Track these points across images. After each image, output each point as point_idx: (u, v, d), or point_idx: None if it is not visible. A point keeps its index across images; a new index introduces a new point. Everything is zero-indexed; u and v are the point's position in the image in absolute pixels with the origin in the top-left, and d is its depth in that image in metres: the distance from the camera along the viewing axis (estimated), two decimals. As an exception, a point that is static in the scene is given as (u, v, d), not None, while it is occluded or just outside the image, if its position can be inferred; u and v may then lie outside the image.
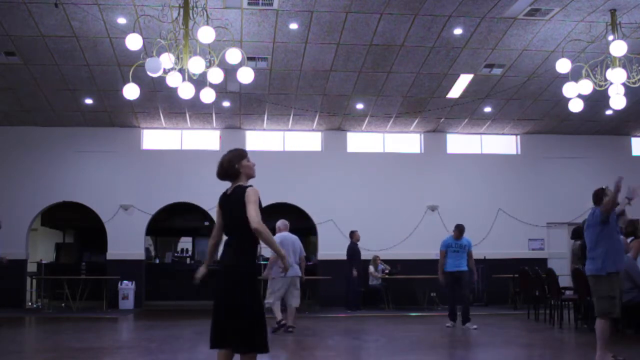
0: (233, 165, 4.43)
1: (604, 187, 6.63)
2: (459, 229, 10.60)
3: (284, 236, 9.82)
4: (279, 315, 9.45)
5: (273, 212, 15.75)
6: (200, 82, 8.96)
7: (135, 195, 14.99)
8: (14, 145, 14.90)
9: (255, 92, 13.47)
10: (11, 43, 11.33)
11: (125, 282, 14.40)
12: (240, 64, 8.79)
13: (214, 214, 14.74)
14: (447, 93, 13.78)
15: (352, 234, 14.20)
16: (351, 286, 13.91)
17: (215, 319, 4.31)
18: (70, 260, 18.19)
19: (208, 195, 14.62)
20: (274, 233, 9.48)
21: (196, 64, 8.46)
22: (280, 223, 10.08)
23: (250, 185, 4.40)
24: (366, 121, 15.22)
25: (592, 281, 6.35)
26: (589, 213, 6.60)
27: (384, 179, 15.60)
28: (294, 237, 9.96)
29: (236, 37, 10.69)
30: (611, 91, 9.91)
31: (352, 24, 11.04)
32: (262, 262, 16.85)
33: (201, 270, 4.56)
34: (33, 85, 12.95)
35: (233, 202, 4.35)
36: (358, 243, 14.18)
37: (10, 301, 13.96)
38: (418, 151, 16.08)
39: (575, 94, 9.94)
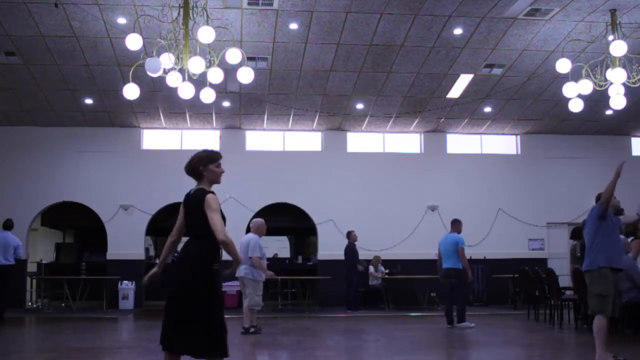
0: (199, 166, 4.26)
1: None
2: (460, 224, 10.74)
3: (244, 238, 9.70)
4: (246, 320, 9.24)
5: (273, 212, 15.81)
6: (200, 82, 8.96)
7: (135, 195, 14.99)
8: (14, 145, 14.90)
9: (255, 92, 13.47)
10: (11, 43, 11.33)
11: (125, 282, 14.40)
12: (240, 64, 8.80)
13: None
14: (447, 93, 13.78)
15: (349, 234, 14.19)
16: (352, 287, 13.88)
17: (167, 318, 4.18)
18: (70, 260, 18.21)
19: (208, 195, 14.65)
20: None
21: (196, 64, 8.47)
22: (253, 223, 9.89)
23: (211, 192, 4.23)
24: (366, 121, 15.22)
25: (586, 277, 6.36)
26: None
27: (384, 179, 15.60)
28: (247, 237, 9.54)
29: (236, 37, 10.69)
30: (611, 91, 9.91)
31: (352, 24, 11.04)
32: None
33: (152, 272, 4.46)
34: (33, 85, 12.95)
35: (193, 206, 4.23)
36: (356, 243, 14.17)
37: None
38: (418, 151, 16.09)
39: (575, 94, 9.94)
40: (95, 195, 14.92)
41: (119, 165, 15.12)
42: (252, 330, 9.19)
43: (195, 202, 4.19)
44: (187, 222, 4.32)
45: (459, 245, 10.31)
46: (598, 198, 6.58)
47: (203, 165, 4.25)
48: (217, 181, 4.32)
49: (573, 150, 16.26)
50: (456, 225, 10.64)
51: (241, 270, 9.21)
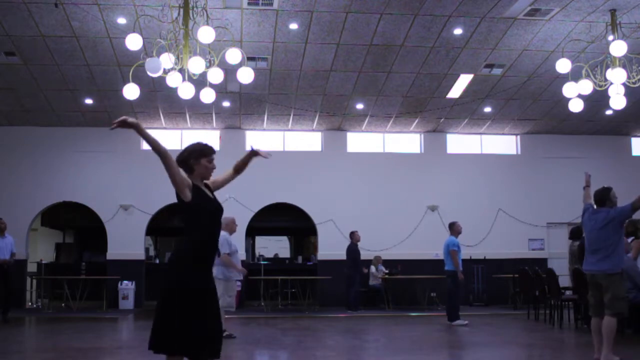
0: (190, 158, 3.99)
1: (607, 186, 6.64)
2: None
3: None
4: None
5: (273, 212, 15.82)
6: (200, 82, 8.96)
7: (135, 195, 14.99)
8: (14, 145, 14.90)
9: (255, 92, 13.47)
10: (11, 43, 11.33)
11: (125, 282, 14.40)
12: (240, 64, 8.80)
13: (214, 214, 14.89)
14: (447, 93, 13.78)
15: (352, 235, 14.18)
16: (352, 287, 13.85)
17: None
18: (70, 260, 18.22)
19: (208, 195, 14.65)
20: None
21: (196, 64, 8.47)
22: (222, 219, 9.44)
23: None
24: (366, 121, 15.22)
25: (606, 280, 6.32)
26: (593, 212, 6.54)
27: (384, 179, 15.60)
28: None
29: (236, 37, 10.69)
30: (611, 91, 9.91)
31: (352, 24, 11.03)
32: (262, 262, 16.91)
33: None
34: (33, 85, 12.95)
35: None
36: (358, 244, 14.15)
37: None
38: (418, 151, 16.09)
39: (575, 94, 9.94)
40: (95, 195, 14.92)
41: (119, 165, 15.12)
42: (225, 334, 8.88)
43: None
44: None
45: (449, 248, 10.82)
46: (603, 196, 6.51)
47: (195, 158, 3.99)
48: (207, 177, 4.07)
49: (573, 150, 16.25)
50: (452, 227, 11.11)
51: (214, 270, 8.83)
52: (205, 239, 3.95)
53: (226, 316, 9.03)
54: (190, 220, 3.94)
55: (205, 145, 4.08)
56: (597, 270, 6.37)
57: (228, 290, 8.83)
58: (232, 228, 9.32)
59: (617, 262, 6.30)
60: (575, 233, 10.46)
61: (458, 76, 13.11)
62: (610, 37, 9.91)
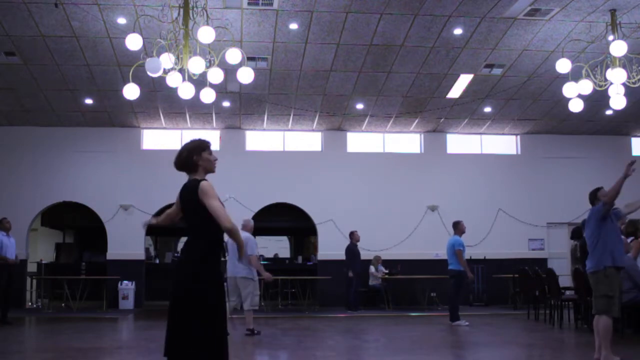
0: (192, 156, 4.08)
1: (598, 187, 6.66)
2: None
3: None
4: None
5: (273, 212, 15.82)
6: (200, 82, 8.96)
7: (135, 195, 14.99)
8: (14, 145, 14.90)
9: (255, 92, 13.48)
10: (11, 43, 11.33)
11: (125, 282, 14.40)
12: (240, 64, 8.80)
13: (214, 214, 14.91)
14: (447, 93, 13.78)
15: (352, 235, 14.18)
16: (352, 287, 13.86)
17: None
18: (70, 260, 18.21)
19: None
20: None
21: (196, 64, 8.47)
22: (245, 222, 9.68)
23: (204, 179, 4.05)
24: (366, 121, 15.22)
25: (591, 278, 6.36)
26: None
27: (384, 179, 15.60)
28: (243, 235, 9.42)
29: (236, 37, 10.69)
30: (611, 91, 9.91)
31: (352, 24, 11.04)
32: (262, 262, 16.90)
33: (150, 220, 4.56)
34: (33, 85, 12.95)
35: (188, 198, 4.02)
36: (358, 243, 14.15)
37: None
38: (418, 151, 16.08)
39: (575, 94, 9.94)
40: (95, 195, 14.92)
41: (119, 165, 15.12)
42: (256, 332, 9.03)
43: (190, 194, 3.99)
44: (185, 218, 4.12)
45: (455, 248, 10.73)
46: (592, 196, 6.56)
47: (197, 154, 4.09)
48: (212, 170, 4.16)
49: (573, 150, 16.25)
50: (456, 227, 11.00)
51: (240, 271, 9.05)
52: (219, 238, 4.04)
53: (254, 316, 9.21)
54: (209, 221, 3.93)
55: (201, 140, 4.19)
56: (585, 270, 6.48)
57: (256, 289, 9.19)
58: (251, 230, 9.68)
59: (597, 260, 6.24)
60: (576, 233, 10.46)
61: (458, 76, 13.11)
62: (610, 37, 9.91)
